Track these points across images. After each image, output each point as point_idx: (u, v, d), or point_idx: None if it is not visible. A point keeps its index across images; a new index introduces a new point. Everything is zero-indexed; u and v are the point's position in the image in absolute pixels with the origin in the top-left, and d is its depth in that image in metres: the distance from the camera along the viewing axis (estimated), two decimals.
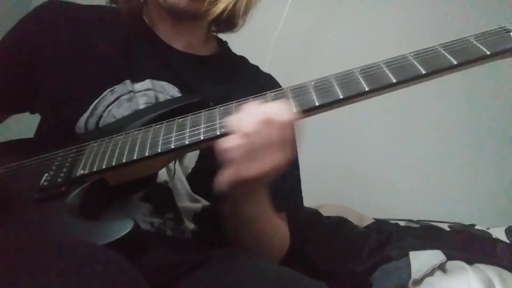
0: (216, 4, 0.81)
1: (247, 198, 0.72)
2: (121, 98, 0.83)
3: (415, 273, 1.09)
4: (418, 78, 0.61)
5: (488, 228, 1.48)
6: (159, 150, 0.69)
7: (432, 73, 0.60)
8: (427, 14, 1.79)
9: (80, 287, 0.46)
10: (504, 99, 1.76)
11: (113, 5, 0.93)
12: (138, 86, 0.85)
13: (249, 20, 0.94)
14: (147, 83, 0.85)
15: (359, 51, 1.64)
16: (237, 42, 1.00)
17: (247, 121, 0.63)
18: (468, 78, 1.72)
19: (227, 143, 0.64)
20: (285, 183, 0.93)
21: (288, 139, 0.64)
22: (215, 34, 1.00)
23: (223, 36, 1.00)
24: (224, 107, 0.70)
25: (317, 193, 1.40)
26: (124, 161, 0.70)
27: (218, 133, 0.66)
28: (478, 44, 0.60)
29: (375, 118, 1.87)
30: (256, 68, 1.01)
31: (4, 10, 1.46)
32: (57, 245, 0.52)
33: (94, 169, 0.72)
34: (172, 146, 0.68)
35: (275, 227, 0.85)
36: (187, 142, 0.68)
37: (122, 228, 0.61)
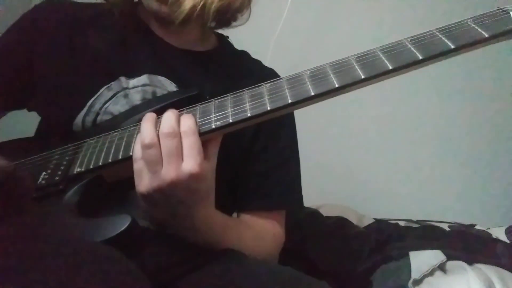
0: (180, 6, 0.79)
1: (174, 211, 0.69)
2: (117, 95, 0.83)
3: (415, 273, 1.08)
4: (415, 64, 0.59)
5: (488, 228, 1.48)
6: None
7: (429, 58, 0.59)
8: (428, 8, 1.79)
9: (80, 285, 0.46)
10: (504, 99, 1.76)
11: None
12: (135, 81, 0.84)
13: (251, 15, 0.93)
14: (144, 79, 0.85)
15: (361, 44, 1.64)
16: (239, 37, 0.99)
17: (148, 133, 0.64)
18: (468, 78, 1.73)
19: (134, 154, 0.66)
20: (284, 181, 0.93)
21: (193, 149, 0.63)
22: (216, 29, 0.98)
23: (227, 32, 0.99)
24: (219, 100, 0.70)
25: (317, 193, 1.40)
26: (120, 157, 0.70)
27: (213, 127, 0.66)
28: (476, 27, 0.59)
29: (375, 118, 1.87)
30: (257, 62, 1.01)
31: (4, 8, 1.47)
32: (56, 243, 0.52)
33: (91, 167, 0.72)
34: None
35: (236, 235, 0.81)
36: None
37: (119, 224, 0.61)
